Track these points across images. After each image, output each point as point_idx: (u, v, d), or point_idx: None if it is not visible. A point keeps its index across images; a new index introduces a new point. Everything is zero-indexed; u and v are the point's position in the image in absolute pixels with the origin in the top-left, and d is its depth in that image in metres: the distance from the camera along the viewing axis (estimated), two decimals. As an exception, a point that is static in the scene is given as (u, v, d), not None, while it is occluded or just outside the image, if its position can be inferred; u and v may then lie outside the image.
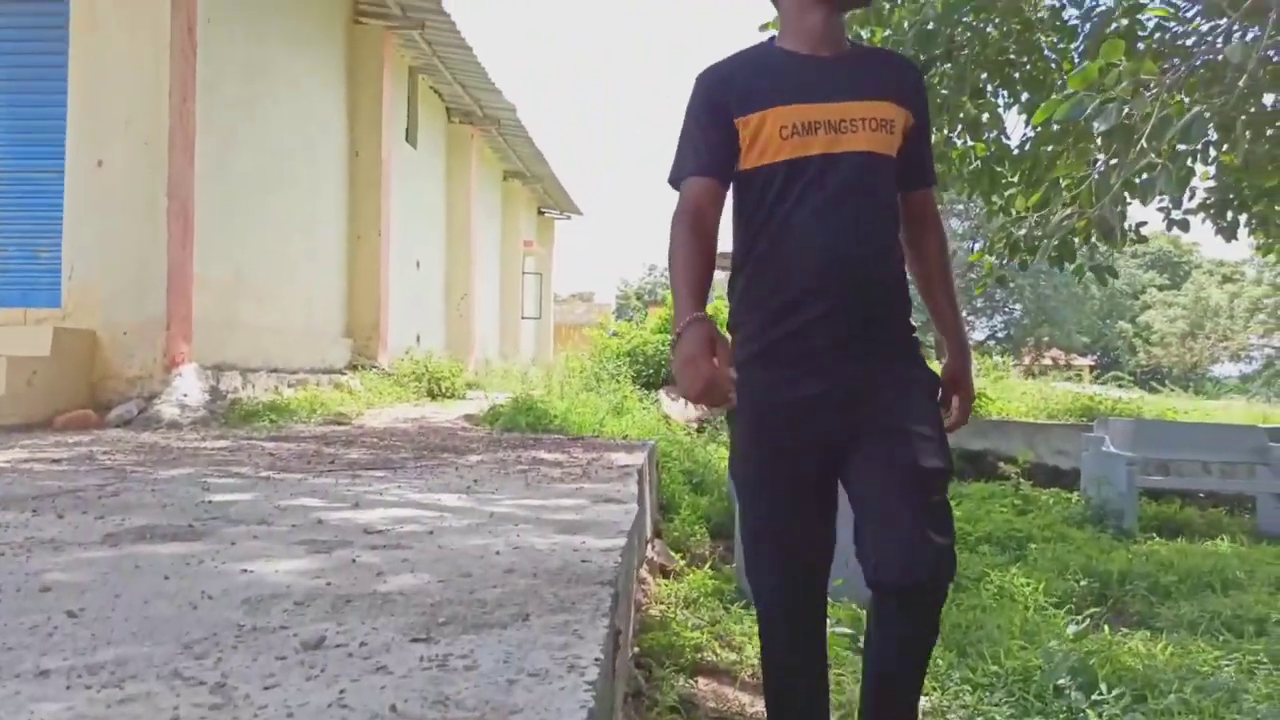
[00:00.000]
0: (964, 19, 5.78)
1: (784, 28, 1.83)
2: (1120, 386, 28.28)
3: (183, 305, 6.35)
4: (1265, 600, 5.04)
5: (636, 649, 2.93)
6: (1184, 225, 5.63)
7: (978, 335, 43.95)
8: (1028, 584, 5.08)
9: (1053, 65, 5.93)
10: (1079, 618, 4.63)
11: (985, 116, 6.10)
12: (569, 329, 27.85)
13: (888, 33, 6.02)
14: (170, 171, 6.16)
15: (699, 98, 1.80)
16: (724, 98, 1.76)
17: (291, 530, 2.40)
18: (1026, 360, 44.57)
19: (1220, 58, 3.11)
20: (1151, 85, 3.40)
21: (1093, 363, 45.07)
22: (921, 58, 5.75)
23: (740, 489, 1.87)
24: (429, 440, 5.38)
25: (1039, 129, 4.61)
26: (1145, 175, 3.24)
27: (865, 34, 5.92)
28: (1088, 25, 5.78)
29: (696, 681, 2.85)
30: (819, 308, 1.71)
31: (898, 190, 1.85)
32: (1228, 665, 3.81)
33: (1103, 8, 6.04)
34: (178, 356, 6.28)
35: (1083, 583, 5.54)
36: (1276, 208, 5.88)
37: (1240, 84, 3.01)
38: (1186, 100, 3.29)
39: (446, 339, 13.82)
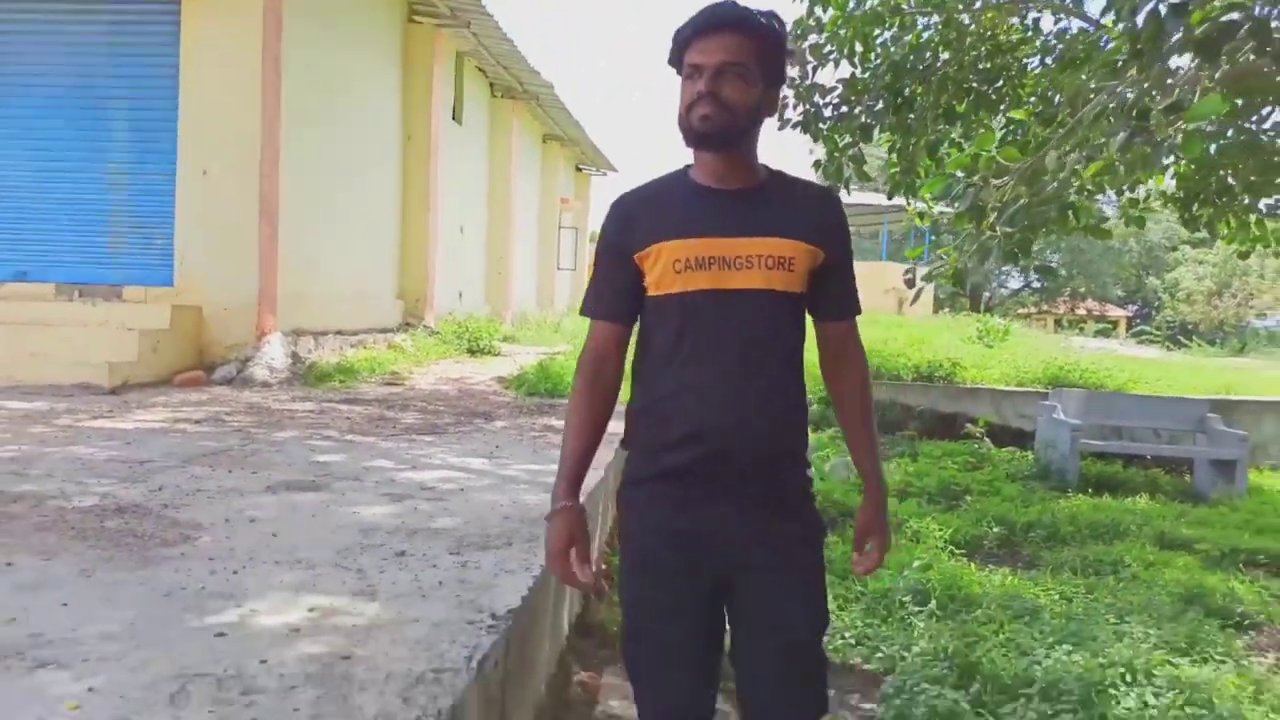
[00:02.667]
0: (928, 54, 6.47)
1: (694, 159, 1.80)
2: (1141, 343, 28.84)
3: (270, 285, 7.80)
4: (1133, 549, 6.10)
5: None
6: (1140, 221, 6.21)
7: (1013, 284, 44.15)
8: (938, 529, 6.34)
9: (1017, 86, 6.70)
10: (968, 557, 5.91)
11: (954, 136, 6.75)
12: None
13: (859, 70, 6.81)
14: (262, 178, 7.58)
15: (604, 237, 1.83)
16: (624, 237, 1.77)
17: (375, 486, 3.82)
18: (1060, 310, 44.75)
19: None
20: (1005, 175, 4.56)
21: (1131, 314, 45.20)
22: (895, 89, 6.59)
23: (624, 605, 1.86)
24: (466, 404, 6.83)
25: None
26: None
27: (844, 67, 6.57)
28: (1060, 46, 6.59)
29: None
30: (700, 449, 1.69)
31: (815, 321, 1.85)
32: (1053, 594, 5.08)
33: (1072, 31, 6.83)
34: (266, 327, 7.76)
35: (994, 530, 6.75)
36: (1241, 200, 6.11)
37: (1050, 188, 4.16)
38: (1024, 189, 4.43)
39: (486, 294, 15.25)
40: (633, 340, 1.84)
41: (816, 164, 6.83)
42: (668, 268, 1.71)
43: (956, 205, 4.53)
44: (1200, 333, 32.76)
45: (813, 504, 1.83)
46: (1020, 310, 42.17)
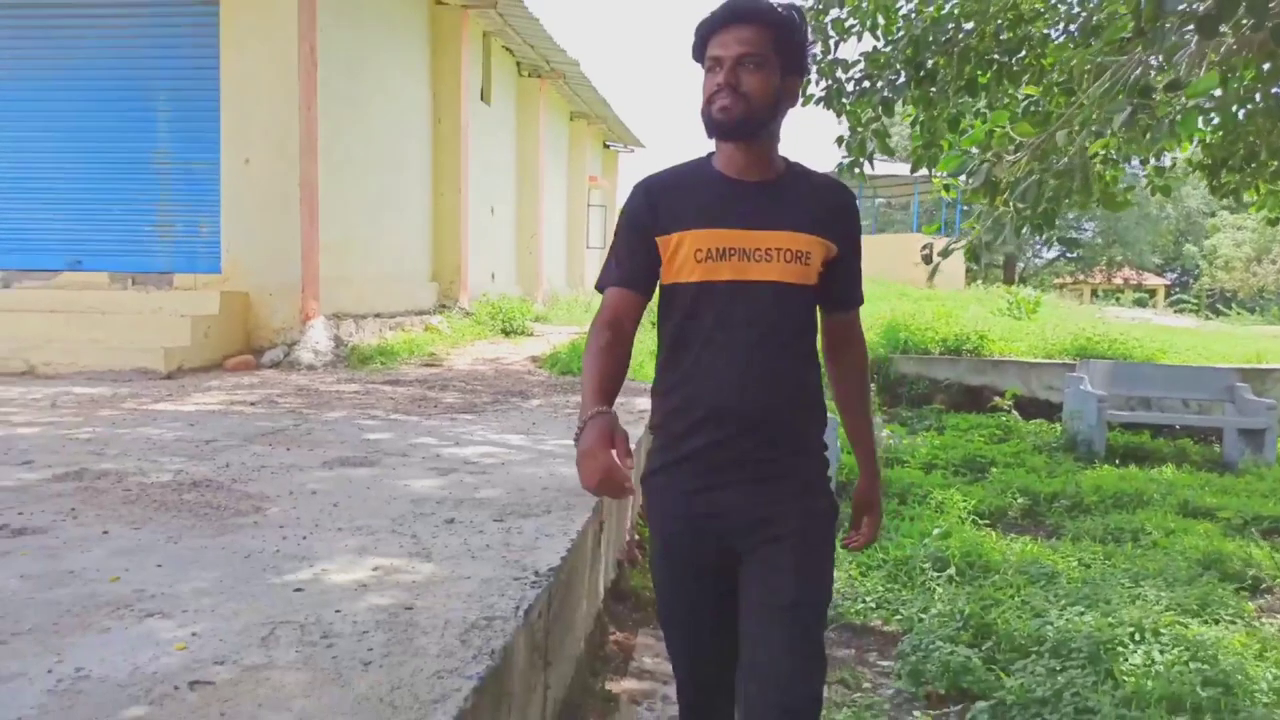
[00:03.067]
0: (950, 26, 6.52)
1: (715, 149, 1.86)
2: (1178, 312, 28.48)
3: (312, 270, 8.11)
4: (1155, 517, 6.23)
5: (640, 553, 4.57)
6: (1165, 190, 6.31)
7: (1046, 253, 43.67)
8: (962, 500, 6.51)
9: (1040, 57, 6.74)
10: (992, 527, 6.08)
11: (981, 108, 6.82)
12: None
13: (880, 44, 6.91)
14: (301, 166, 7.87)
15: (626, 215, 1.87)
16: (648, 218, 1.81)
17: (422, 461, 4.09)
18: (1097, 279, 44.17)
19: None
20: (1015, 150, 4.70)
21: (1169, 283, 44.57)
22: (915, 62, 6.68)
23: (655, 585, 1.99)
24: (502, 384, 7.10)
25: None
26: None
27: (868, 38, 6.63)
28: (1083, 15, 6.63)
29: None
30: (716, 433, 1.77)
31: (822, 310, 1.92)
32: (1071, 560, 5.25)
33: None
34: (309, 311, 8.08)
35: (1018, 500, 6.89)
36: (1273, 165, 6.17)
37: (1061, 163, 4.30)
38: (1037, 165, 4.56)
39: (517, 274, 15.52)
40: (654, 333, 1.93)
41: (839, 139, 6.93)
42: (689, 256, 1.77)
43: (971, 181, 4.67)
44: (1240, 300, 32.31)
45: (827, 486, 1.90)
46: (1056, 281, 41.77)
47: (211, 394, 6.08)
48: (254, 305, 8.01)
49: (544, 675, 2.44)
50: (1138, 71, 3.68)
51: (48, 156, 8.48)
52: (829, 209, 1.83)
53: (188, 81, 8.16)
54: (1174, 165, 7.26)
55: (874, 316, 11.73)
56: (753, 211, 1.77)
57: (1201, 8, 3.42)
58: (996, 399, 10.39)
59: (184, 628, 2.04)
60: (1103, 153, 5.15)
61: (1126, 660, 3.66)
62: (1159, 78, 3.67)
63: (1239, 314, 26.73)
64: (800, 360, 1.84)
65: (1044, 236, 6.47)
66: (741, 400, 1.76)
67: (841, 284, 1.89)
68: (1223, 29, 3.52)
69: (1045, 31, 6.93)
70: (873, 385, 9.81)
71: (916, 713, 3.20)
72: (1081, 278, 43.16)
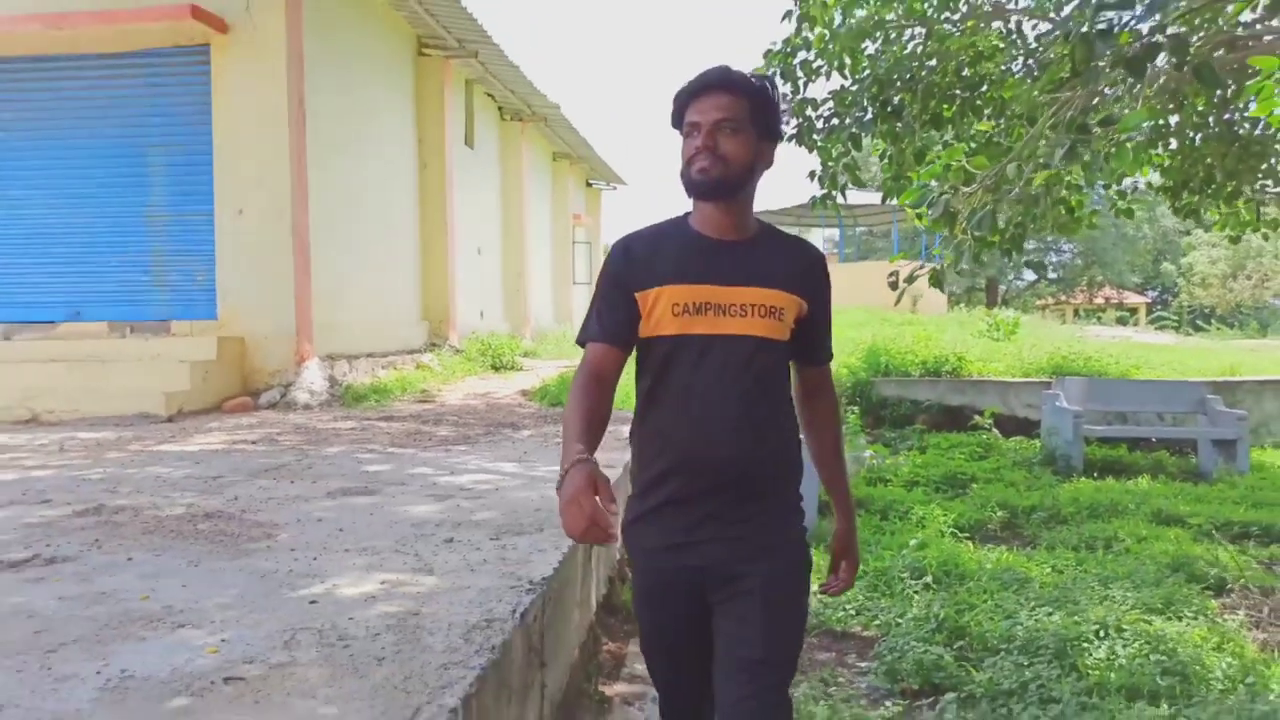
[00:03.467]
0: (914, 64, 6.82)
1: (693, 209, 1.93)
2: (1159, 329, 28.91)
3: (305, 313, 8.35)
4: (1128, 526, 6.41)
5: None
6: (1128, 213, 6.62)
7: (1029, 276, 44.28)
8: (942, 514, 6.72)
9: (1000, 91, 7.06)
10: (971, 539, 6.28)
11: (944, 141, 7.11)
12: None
13: (848, 82, 7.20)
14: (293, 215, 8.15)
15: (606, 271, 1.93)
16: (627, 274, 1.88)
17: (420, 489, 4.31)
18: (1078, 299, 44.73)
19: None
20: (972, 184, 5.01)
21: (1149, 300, 45.23)
22: (881, 99, 6.98)
23: (637, 619, 2.05)
24: (494, 416, 7.33)
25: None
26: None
27: (832, 78, 6.93)
28: (1040, 50, 6.96)
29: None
30: (689, 484, 1.83)
31: (795, 365, 1.98)
32: (1045, 567, 5.47)
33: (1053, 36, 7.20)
34: (304, 353, 8.31)
35: (998, 514, 7.10)
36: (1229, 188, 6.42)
37: (1012, 194, 4.61)
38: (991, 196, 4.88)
39: (505, 312, 15.80)
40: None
41: (811, 174, 7.21)
42: (666, 310, 1.83)
43: (931, 212, 4.97)
44: (1219, 316, 32.85)
45: (801, 538, 1.94)
46: (1038, 303, 42.31)
47: (213, 434, 6.29)
48: (249, 349, 8.23)
49: (540, 675, 2.65)
50: (1073, 111, 3.98)
51: (45, 212, 8.76)
52: (801, 267, 1.91)
53: (181, 136, 8.46)
54: (1135, 190, 7.55)
55: (855, 342, 12.00)
56: (729, 268, 1.84)
57: (1129, 51, 3.73)
58: (976, 418, 10.63)
59: (213, 635, 2.26)
60: (1067, 179, 5.46)
61: (1091, 655, 3.87)
62: (1094, 115, 3.98)
63: (1219, 329, 27.18)
64: (773, 413, 1.88)
65: (1011, 261, 6.67)
66: (713, 451, 1.81)
67: (813, 339, 1.95)
68: (1152, 67, 3.84)
69: (1003, 67, 7.29)
70: (855, 408, 10.09)
71: (889, 703, 3.40)
72: (1064, 299, 43.75)
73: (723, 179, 1.82)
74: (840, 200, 7.19)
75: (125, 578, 2.78)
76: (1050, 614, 4.33)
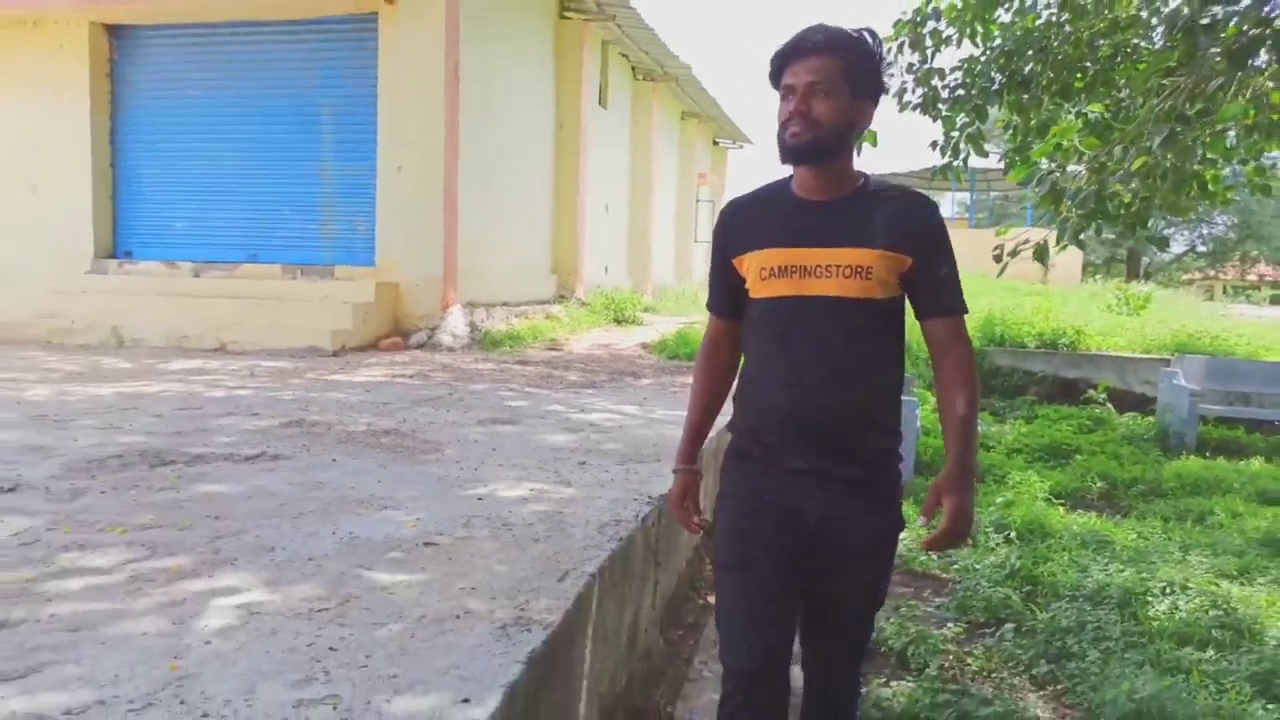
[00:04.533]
0: (1051, 33, 6.88)
1: (793, 171, 1.95)
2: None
3: (451, 264, 9.20)
4: (1227, 503, 6.52)
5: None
6: (1265, 190, 6.53)
7: (1176, 248, 41.97)
8: (1039, 480, 6.99)
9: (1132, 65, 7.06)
10: (1065, 505, 6.54)
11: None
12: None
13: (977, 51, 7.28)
14: (445, 173, 8.96)
15: (713, 238, 2.04)
16: (725, 240, 2.00)
17: (555, 422, 4.99)
18: (1229, 275, 42.15)
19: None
20: (1079, 162, 5.27)
21: (1310, 278, 42.19)
22: (1010, 70, 7.10)
23: (717, 571, 2.07)
24: (616, 365, 8.00)
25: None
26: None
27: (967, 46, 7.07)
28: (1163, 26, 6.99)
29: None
30: (775, 439, 1.91)
31: (917, 318, 1.95)
32: (1131, 533, 5.73)
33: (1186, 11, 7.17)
34: (449, 300, 9.17)
35: (1097, 484, 7.31)
36: None
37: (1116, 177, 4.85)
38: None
39: (628, 268, 16.47)
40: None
41: (933, 144, 7.43)
42: (756, 274, 1.92)
43: (1038, 189, 5.24)
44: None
45: (892, 497, 1.96)
46: (1184, 276, 40.13)
47: (374, 369, 7.18)
48: (402, 294, 9.16)
49: (655, 573, 3.28)
50: (1174, 100, 4.21)
51: (230, 166, 9.89)
52: (900, 223, 1.87)
53: (349, 98, 9.38)
54: (1274, 165, 7.49)
55: (972, 311, 12.06)
56: (817, 231, 1.87)
57: (1234, 44, 3.93)
58: (1090, 391, 10.67)
59: (410, 515, 2.97)
60: (1132, 172, 5.55)
61: (1153, 608, 4.21)
62: (1194, 105, 4.19)
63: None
64: (862, 370, 1.88)
65: (1135, 237, 6.77)
66: (797, 410, 1.87)
67: (924, 293, 1.92)
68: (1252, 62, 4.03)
69: (1135, 42, 7.29)
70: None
71: (951, 624, 3.89)
72: (1213, 274, 41.30)
73: (814, 143, 1.84)
74: (963, 169, 7.34)
75: (333, 474, 3.54)
76: (1121, 570, 4.66)
